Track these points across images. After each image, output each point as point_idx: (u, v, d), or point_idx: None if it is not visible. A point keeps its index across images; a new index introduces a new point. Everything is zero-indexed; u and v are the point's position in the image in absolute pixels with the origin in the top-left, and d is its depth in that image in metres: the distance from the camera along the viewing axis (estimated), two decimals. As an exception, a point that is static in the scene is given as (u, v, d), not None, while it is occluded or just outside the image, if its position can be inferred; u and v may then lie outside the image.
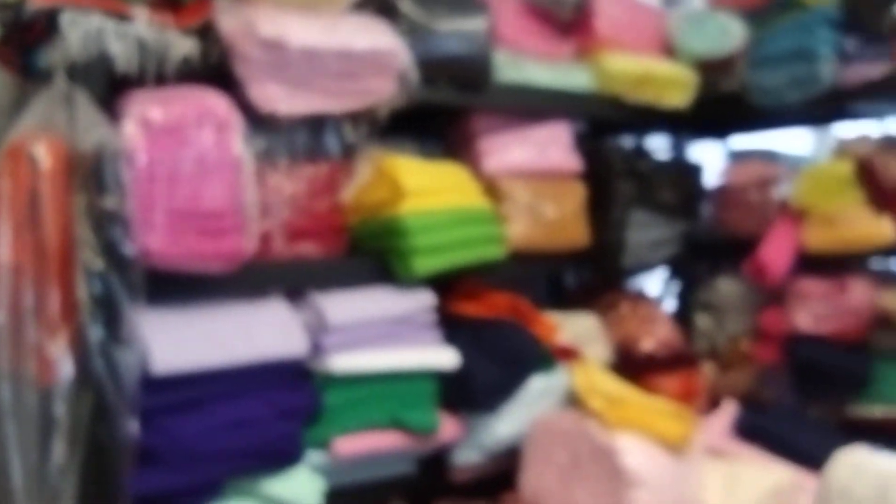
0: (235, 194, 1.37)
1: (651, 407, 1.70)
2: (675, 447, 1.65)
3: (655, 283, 2.52)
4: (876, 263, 2.08)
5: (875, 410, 1.96)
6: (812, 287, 2.07)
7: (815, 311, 2.07)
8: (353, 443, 1.59)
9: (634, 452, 1.59)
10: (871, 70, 1.94)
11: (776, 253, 2.07)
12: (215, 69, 1.44)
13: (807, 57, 2.00)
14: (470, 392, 1.71)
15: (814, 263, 2.08)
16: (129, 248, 1.21)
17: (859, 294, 1.99)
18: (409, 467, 1.74)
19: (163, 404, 1.33)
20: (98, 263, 1.19)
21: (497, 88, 1.87)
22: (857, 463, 0.85)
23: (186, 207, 1.32)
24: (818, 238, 2.05)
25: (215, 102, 1.35)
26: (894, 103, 2.00)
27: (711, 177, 2.40)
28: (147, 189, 1.28)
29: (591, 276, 2.41)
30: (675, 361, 2.17)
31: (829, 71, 1.98)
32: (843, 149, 2.08)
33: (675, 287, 2.50)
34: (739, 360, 2.22)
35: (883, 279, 2.01)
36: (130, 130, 1.27)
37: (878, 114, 2.13)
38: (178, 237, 1.31)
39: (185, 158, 1.31)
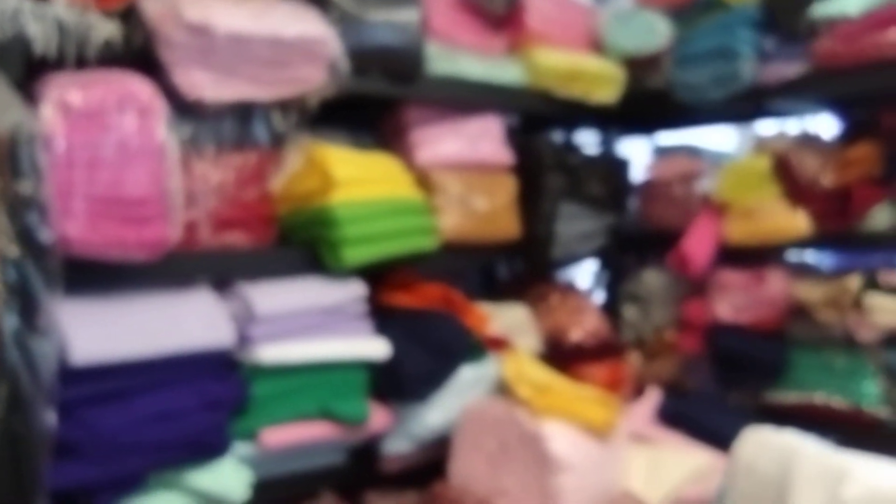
0: (159, 181, 1.35)
1: (577, 394, 1.74)
2: (599, 433, 1.69)
3: (585, 275, 2.58)
4: (792, 256, 2.16)
5: (790, 396, 2.04)
6: (732, 278, 2.15)
7: (734, 301, 2.14)
8: (282, 434, 1.58)
9: (560, 438, 1.63)
10: (788, 69, 2.02)
11: (698, 245, 2.14)
12: (139, 54, 1.41)
13: (728, 55, 2.06)
14: (400, 382, 1.72)
15: (734, 255, 2.15)
16: (46, 235, 1.17)
17: (776, 285, 2.07)
18: (338, 458, 1.74)
19: (82, 396, 1.30)
20: (13, 250, 1.15)
21: (429, 80, 1.88)
22: (761, 441, 0.89)
23: (107, 194, 1.29)
24: (738, 231, 2.12)
25: (138, 87, 1.32)
26: (810, 102, 2.09)
27: (638, 171, 2.46)
28: (65, 175, 1.24)
29: (523, 268, 2.44)
30: (603, 351, 2.21)
31: (749, 69, 2.05)
32: (761, 145, 2.16)
33: (604, 279, 2.56)
34: (664, 349, 2.29)
35: (798, 271, 2.10)
36: (48, 114, 1.24)
37: (795, 112, 2.22)
38: (98, 224, 1.28)
39: (106, 144, 1.28)
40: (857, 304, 1.90)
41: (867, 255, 2.07)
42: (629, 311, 2.41)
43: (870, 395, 1.91)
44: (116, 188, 1.30)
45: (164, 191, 1.36)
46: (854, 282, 1.91)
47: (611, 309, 2.45)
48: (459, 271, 2.28)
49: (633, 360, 2.32)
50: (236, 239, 1.60)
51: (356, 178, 1.69)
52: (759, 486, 0.83)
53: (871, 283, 1.90)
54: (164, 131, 1.35)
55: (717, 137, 2.51)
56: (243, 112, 1.57)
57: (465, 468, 1.75)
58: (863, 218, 1.91)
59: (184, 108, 1.46)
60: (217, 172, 1.55)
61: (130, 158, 1.31)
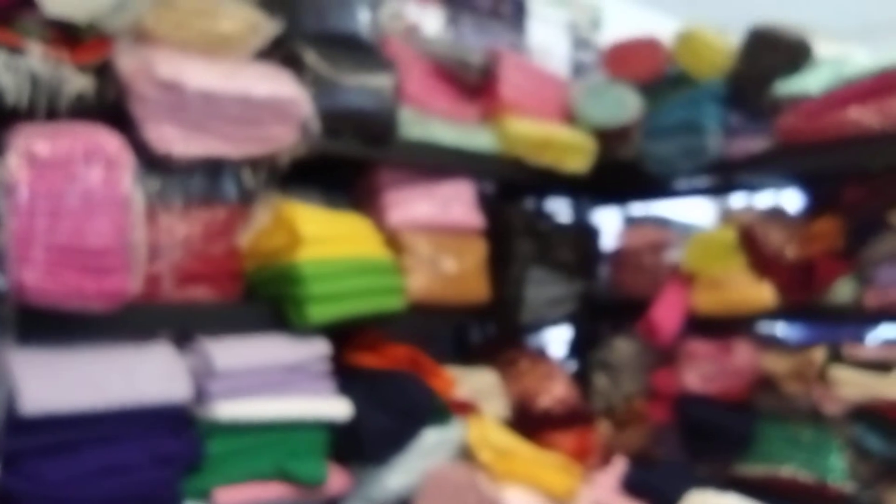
0: (122, 233, 1.35)
1: (539, 460, 1.73)
2: (561, 500, 1.67)
3: (557, 342, 2.58)
4: (760, 327, 2.18)
5: (757, 469, 2.03)
6: (700, 348, 2.16)
7: (703, 371, 2.15)
8: (236, 494, 1.54)
9: (520, 505, 1.60)
10: (753, 144, 2.07)
11: (667, 314, 2.16)
12: (111, 108, 1.44)
13: (695, 129, 2.12)
14: (360, 443, 1.70)
15: (702, 325, 2.17)
16: (1, 282, 1.17)
17: (743, 356, 2.08)
18: (295, 521, 1.70)
19: (30, 446, 1.28)
20: (-35, 295, 1.16)
21: (402, 144, 1.92)
22: (703, 501, 0.89)
23: (68, 243, 1.29)
24: (706, 301, 2.14)
25: (105, 139, 1.34)
26: (775, 176, 2.14)
27: (609, 240, 2.49)
28: (27, 223, 1.25)
29: (494, 333, 2.44)
30: (571, 418, 2.20)
31: (715, 143, 2.11)
32: (728, 217, 2.20)
33: (575, 346, 2.56)
34: (633, 418, 2.28)
35: (765, 342, 2.11)
36: (13, 163, 1.25)
37: (761, 186, 2.27)
38: (57, 273, 1.27)
39: (70, 194, 1.28)
40: (822, 377, 1.91)
41: (833, 327, 2.09)
42: (600, 380, 2.40)
43: (835, 469, 1.90)
44: (78, 237, 1.30)
45: (126, 242, 1.36)
46: (818, 354, 1.92)
47: (581, 376, 2.44)
48: (430, 334, 2.28)
49: (603, 429, 2.30)
50: (201, 293, 1.60)
51: (323, 236, 1.70)
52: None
53: (836, 356, 1.91)
54: (129, 184, 1.36)
55: (688, 209, 2.55)
56: (213, 168, 1.59)
57: (424, 534, 1.71)
58: (826, 291, 1.94)
59: (153, 162, 1.47)
60: (184, 226, 1.56)
61: (94, 209, 1.32)
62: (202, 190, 1.59)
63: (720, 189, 2.41)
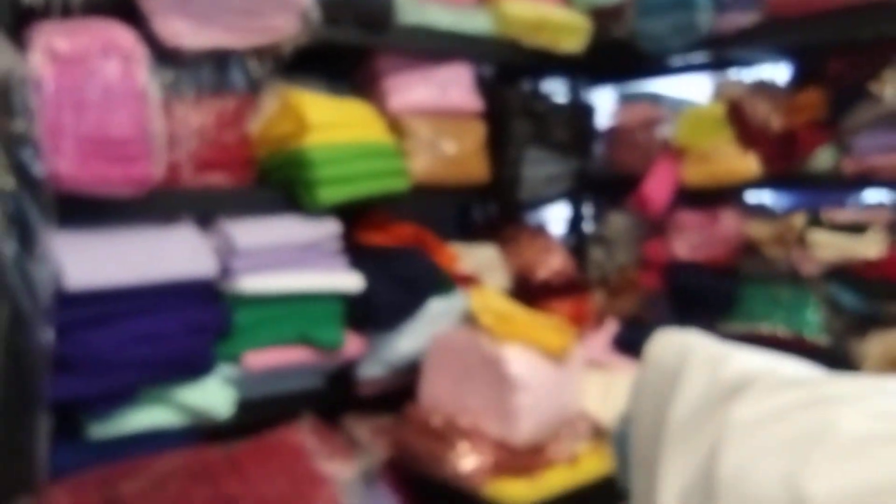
0: (142, 123, 1.46)
1: (535, 322, 1.88)
2: (556, 357, 1.84)
3: (555, 219, 2.70)
4: (746, 196, 2.29)
5: (740, 327, 2.19)
6: (689, 219, 2.28)
7: (691, 240, 2.28)
8: (263, 357, 1.72)
9: (519, 361, 1.77)
10: (743, 19, 2.11)
11: (657, 188, 2.27)
12: (122, 3, 1.51)
13: (686, 6, 2.16)
14: (373, 312, 1.86)
15: (691, 197, 2.28)
16: (39, 170, 1.29)
17: (729, 224, 2.21)
18: (317, 381, 1.89)
19: (76, 318, 1.43)
20: (10, 183, 1.28)
21: (400, 30, 1.98)
22: (667, 339, 1.03)
23: (94, 134, 1.40)
24: (695, 174, 2.24)
25: (120, 35, 1.43)
26: (763, 50, 2.20)
27: (604, 118, 2.57)
28: (55, 115, 1.36)
29: (496, 211, 2.57)
30: (568, 288, 2.36)
31: (706, 19, 2.15)
32: (718, 92, 2.27)
33: (572, 222, 2.69)
34: (626, 286, 2.43)
35: (750, 211, 2.23)
36: (37, 60, 1.35)
37: (751, 60, 2.33)
38: (86, 162, 1.40)
39: (91, 87, 1.39)
40: (801, 241, 2.04)
41: (813, 194, 2.20)
42: (595, 252, 2.54)
43: (811, 324, 2.05)
44: (102, 129, 1.42)
45: (147, 132, 1.48)
46: (798, 219, 2.04)
47: (578, 249, 2.59)
48: (435, 213, 2.41)
49: (598, 297, 2.46)
50: (217, 179, 1.72)
51: (329, 122, 1.80)
52: (659, 375, 0.96)
53: (815, 221, 2.03)
54: (145, 76, 1.46)
55: (682, 86, 2.61)
56: (220, 59, 1.67)
57: (433, 390, 1.89)
58: (808, 159, 2.03)
59: (164, 55, 1.56)
60: (197, 116, 1.66)
61: (114, 101, 1.42)
62: (212, 81, 1.68)
63: (713, 65, 2.46)
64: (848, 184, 2.02)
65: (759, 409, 0.78)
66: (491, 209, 2.60)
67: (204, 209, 1.70)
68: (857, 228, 1.96)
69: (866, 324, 1.95)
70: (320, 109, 1.80)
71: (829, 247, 1.98)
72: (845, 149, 1.97)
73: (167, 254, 1.57)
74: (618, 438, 1.08)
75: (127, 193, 1.48)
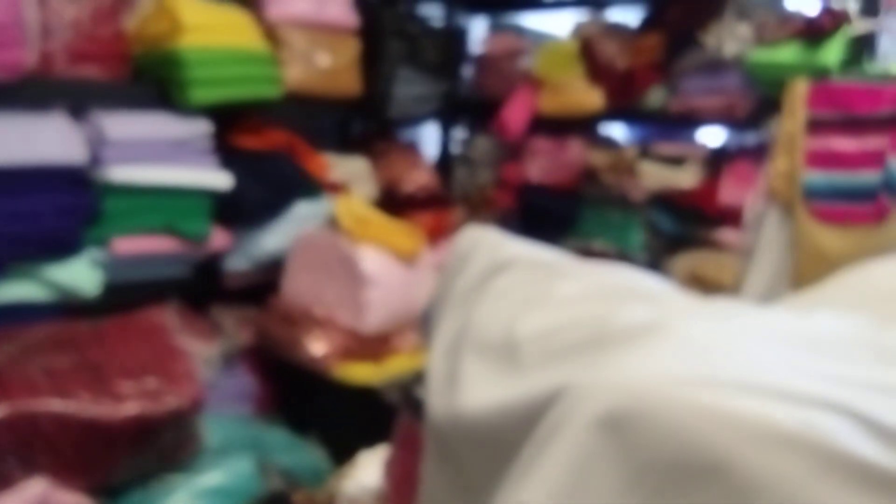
0: (15, 10, 1.53)
1: (390, 227, 2.09)
2: (406, 259, 2.05)
3: (426, 138, 2.89)
4: (592, 128, 2.54)
5: (577, 243, 2.46)
6: (541, 145, 2.51)
7: (542, 165, 2.52)
8: (130, 243, 1.84)
9: (371, 260, 1.97)
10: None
11: (515, 115, 2.48)
12: None
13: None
14: (239, 208, 2.01)
15: (545, 125, 2.51)
16: None
17: (575, 152, 2.45)
18: (184, 271, 2.02)
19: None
20: None
21: (279, -58, 2.07)
22: (469, 232, 1.23)
23: (-35, 17, 1.47)
24: (549, 104, 2.47)
25: (-8, -79, 1.48)
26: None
27: (475, 46, 2.75)
28: (-75, -5, 1.41)
29: (371, 127, 2.72)
30: (431, 202, 2.56)
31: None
32: (575, 30, 2.48)
33: (442, 142, 2.88)
34: (485, 204, 2.66)
35: (594, 141, 2.48)
36: None
37: (611, 2, 2.54)
38: (-43, 43, 1.46)
39: (-37, -29, 1.45)
40: (632, 170, 2.31)
41: (650, 128, 2.47)
42: (460, 171, 2.76)
43: (635, 243, 2.34)
44: (-26, 12, 1.48)
45: (19, 19, 1.55)
46: (631, 151, 2.31)
47: (445, 168, 2.79)
48: (313, 125, 2.54)
49: (459, 212, 2.69)
50: (91, 71, 1.80)
51: (204, 24, 1.90)
52: (456, 259, 1.18)
53: (644, 153, 2.30)
54: (18, -36, 1.52)
55: (551, 21, 2.80)
56: (96, -46, 1.73)
57: (294, 284, 2.07)
58: (642, 97, 2.28)
59: (39, -55, 1.62)
60: (72, 9, 1.73)
61: (-13, -14, 1.49)
62: (88, -25, 1.74)
63: (583, 2, 2.66)
64: (675, 121, 2.29)
65: (510, 281, 1.00)
66: (368, 125, 2.76)
67: (77, 100, 1.78)
68: (677, 161, 2.24)
69: (678, 245, 2.25)
70: (196, 11, 1.89)
71: (653, 177, 2.26)
72: (673, 89, 2.22)
73: (38, 139, 1.65)
74: (424, 316, 1.30)
75: (-2, 77, 1.55)
